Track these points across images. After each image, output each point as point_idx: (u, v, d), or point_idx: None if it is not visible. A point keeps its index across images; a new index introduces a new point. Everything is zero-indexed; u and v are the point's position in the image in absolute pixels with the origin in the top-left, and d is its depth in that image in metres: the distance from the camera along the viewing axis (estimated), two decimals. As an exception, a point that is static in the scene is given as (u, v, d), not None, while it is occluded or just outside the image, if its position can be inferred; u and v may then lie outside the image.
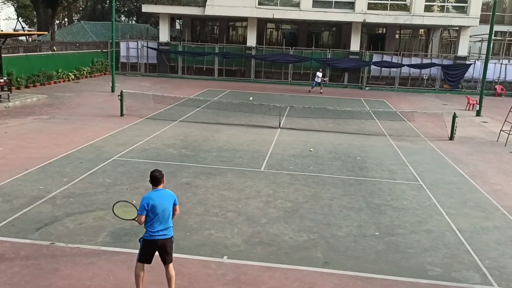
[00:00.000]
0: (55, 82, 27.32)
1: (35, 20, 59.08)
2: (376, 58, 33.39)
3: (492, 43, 25.26)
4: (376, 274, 7.00)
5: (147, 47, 35.01)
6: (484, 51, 32.70)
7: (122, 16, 66.91)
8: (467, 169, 13.14)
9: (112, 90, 24.82)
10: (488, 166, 13.66)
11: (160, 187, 5.87)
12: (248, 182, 10.98)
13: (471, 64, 32.73)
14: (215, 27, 44.27)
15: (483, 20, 33.63)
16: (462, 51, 33.43)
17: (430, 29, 39.40)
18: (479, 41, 37.48)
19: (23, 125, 16.06)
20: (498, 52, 38.40)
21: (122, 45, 35.16)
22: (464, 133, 18.22)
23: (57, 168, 11.35)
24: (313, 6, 32.47)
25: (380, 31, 41.67)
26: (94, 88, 26.54)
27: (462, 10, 32.65)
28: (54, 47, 29.33)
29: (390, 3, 32.47)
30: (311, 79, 31.78)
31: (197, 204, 9.46)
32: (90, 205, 9.11)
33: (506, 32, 37.68)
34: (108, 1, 60.25)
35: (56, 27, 47.10)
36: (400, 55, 33.43)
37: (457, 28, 34.67)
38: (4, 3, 59.68)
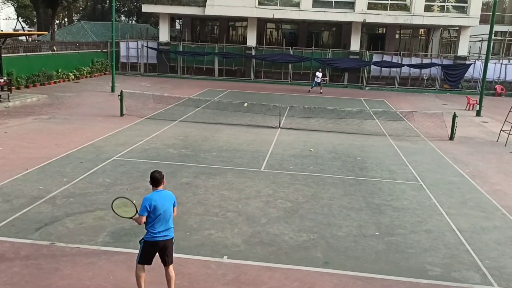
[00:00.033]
0: (55, 82, 27.33)
1: (35, 20, 59.08)
2: (376, 58, 33.40)
3: (492, 43, 25.26)
4: (376, 274, 7.00)
5: (147, 47, 35.01)
6: (484, 51, 32.71)
7: (122, 16, 66.93)
8: (467, 169, 13.14)
9: (112, 90, 24.82)
10: (488, 166, 13.66)
11: (160, 188, 5.86)
12: (248, 182, 10.98)
13: (471, 64, 32.74)
14: (215, 27, 44.28)
15: (483, 20, 33.63)
16: (462, 51, 33.44)
17: (430, 29, 39.40)
18: (479, 41, 37.49)
19: (23, 125, 16.06)
20: (498, 52, 38.40)
21: (122, 45, 35.16)
22: (464, 133, 18.22)
23: (57, 168, 11.35)
24: (313, 6, 32.48)
25: (380, 31, 41.67)
26: (94, 88, 26.54)
27: (462, 10, 32.66)
28: (54, 47, 29.33)
29: (390, 3, 32.47)
30: (311, 79, 31.77)
31: (197, 204, 9.46)
32: (90, 205, 9.11)
33: (506, 32, 37.67)
34: (108, 1, 60.26)
35: (56, 27, 47.11)
36: (400, 55, 33.43)
37: (457, 28, 34.67)
38: (4, 3, 59.71)
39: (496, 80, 33.19)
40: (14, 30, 64.07)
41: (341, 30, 39.34)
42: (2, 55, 21.70)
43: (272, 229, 8.39)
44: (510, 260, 7.68)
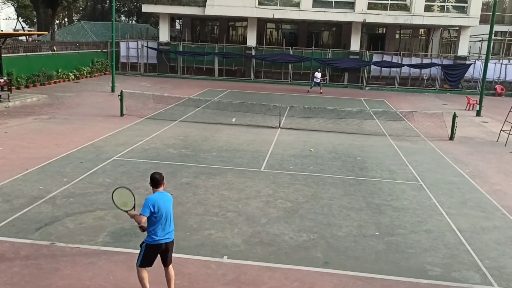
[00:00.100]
0: (55, 82, 27.33)
1: (35, 20, 59.08)
2: (376, 58, 33.39)
3: (492, 43, 25.26)
4: (376, 274, 7.00)
5: (147, 47, 35.01)
6: (484, 51, 32.71)
7: (122, 16, 66.92)
8: (467, 169, 13.14)
9: (112, 90, 24.82)
10: (488, 166, 13.66)
11: (161, 189, 5.83)
12: (248, 182, 10.98)
13: (471, 64, 32.73)
14: (215, 27, 44.27)
15: (483, 20, 33.63)
16: (462, 51, 33.44)
17: (430, 29, 39.40)
18: (479, 41, 37.48)
19: (23, 125, 16.06)
20: (498, 52, 38.39)
21: (122, 45, 35.16)
22: (464, 133, 18.22)
23: (57, 168, 11.35)
24: (313, 6, 32.47)
25: (380, 31, 41.67)
26: (94, 88, 26.54)
27: (462, 10, 32.65)
28: (54, 47, 29.33)
29: (390, 3, 32.47)
30: (311, 79, 31.76)
31: (197, 204, 9.46)
32: (90, 205, 9.11)
33: (506, 32, 37.66)
34: (108, 1, 60.26)
35: (56, 27, 47.11)
36: (400, 55, 33.42)
37: (457, 28, 34.67)
38: (4, 3, 59.70)
39: (496, 80, 33.19)
40: (14, 30, 64.07)
41: (341, 30, 39.34)
42: (2, 55, 21.70)
43: (272, 229, 8.39)
44: (510, 260, 7.68)
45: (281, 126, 17.84)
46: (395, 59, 33.23)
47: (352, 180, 11.59)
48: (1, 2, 59.37)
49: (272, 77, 34.70)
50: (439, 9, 32.96)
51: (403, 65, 32.72)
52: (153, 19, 57.60)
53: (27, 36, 39.03)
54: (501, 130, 17.54)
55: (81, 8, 65.47)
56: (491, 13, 23.66)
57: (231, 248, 7.59)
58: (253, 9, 32.56)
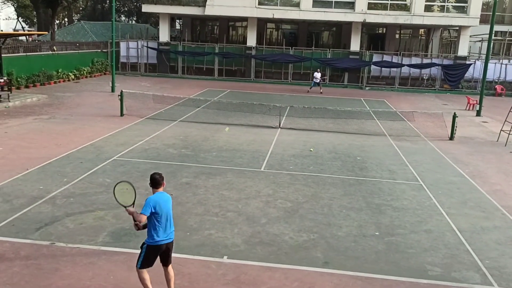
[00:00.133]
0: (55, 82, 27.33)
1: (35, 20, 59.08)
2: (376, 58, 33.39)
3: (492, 43, 25.26)
4: (376, 274, 7.00)
5: (147, 47, 35.01)
6: (484, 51, 32.71)
7: (122, 16, 66.93)
8: (467, 169, 13.14)
9: (112, 90, 24.82)
10: (488, 166, 13.66)
11: (161, 189, 5.82)
12: (248, 182, 10.98)
13: (471, 64, 32.73)
14: (215, 27, 44.27)
15: (483, 20, 33.63)
16: (462, 51, 33.43)
17: (430, 29, 39.40)
18: (479, 41, 37.48)
19: (23, 125, 16.07)
20: (498, 52, 38.39)
21: (122, 45, 35.16)
22: (464, 133, 18.22)
23: (57, 168, 11.35)
24: (313, 6, 32.47)
25: (380, 31, 41.67)
26: (94, 88, 26.54)
27: (462, 10, 32.65)
28: (54, 47, 29.33)
29: (390, 3, 32.47)
30: (311, 79, 31.75)
31: (197, 204, 9.46)
32: (90, 205, 9.11)
33: (506, 32, 37.67)
34: (108, 1, 60.26)
35: (56, 27, 47.10)
36: (400, 55, 33.42)
37: (457, 28, 34.67)
38: (4, 3, 59.70)
39: (496, 80, 33.19)
40: (14, 30, 64.07)
41: (341, 30, 39.34)
42: (2, 55, 21.70)
43: (272, 229, 8.39)
44: (510, 260, 7.68)
45: (281, 126, 17.84)
46: (395, 59, 33.23)
47: (352, 180, 11.59)
48: (1, 2, 59.40)
49: (272, 77, 34.70)
50: (439, 9, 32.96)
51: (403, 65, 32.72)
52: (153, 19, 57.60)
53: (27, 36, 39.03)
54: (501, 130, 17.54)
55: (81, 8, 65.48)
56: (491, 13, 23.66)
57: (231, 248, 7.59)
58: (253, 9, 32.56)
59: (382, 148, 15.22)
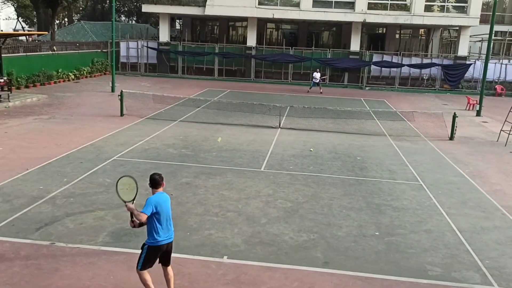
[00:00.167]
0: (55, 82, 27.33)
1: (35, 20, 59.08)
2: (376, 58, 33.39)
3: (492, 43, 25.26)
4: (376, 274, 7.00)
5: (147, 47, 35.01)
6: (484, 51, 32.71)
7: (122, 16, 66.92)
8: (467, 169, 13.14)
9: (112, 90, 24.82)
10: (488, 166, 13.66)
11: (160, 190, 5.82)
12: (248, 182, 10.98)
13: (471, 64, 32.73)
14: (215, 27, 44.27)
15: (483, 20, 33.62)
16: (462, 51, 33.43)
17: (430, 29, 39.39)
18: (479, 41, 37.48)
19: (23, 125, 16.07)
20: (498, 52, 38.39)
21: (122, 45, 35.16)
22: (464, 133, 18.21)
23: (57, 168, 11.35)
24: (313, 6, 32.47)
25: (380, 31, 41.67)
26: (94, 88, 26.54)
27: (462, 10, 32.65)
28: (54, 47, 29.33)
29: (390, 3, 32.47)
30: (311, 79, 31.76)
31: (197, 204, 9.46)
32: (90, 205, 9.11)
33: (506, 32, 37.66)
34: (108, 1, 60.26)
35: (56, 27, 47.10)
36: (400, 55, 33.42)
37: (457, 28, 34.67)
38: (4, 3, 59.69)
39: (496, 80, 33.19)
40: (14, 30, 64.07)
41: (341, 30, 39.34)
42: (2, 55, 21.70)
43: (272, 229, 8.39)
44: (510, 260, 7.68)
45: (281, 126, 17.84)
46: (395, 59, 33.23)
47: (352, 180, 11.59)
48: (1, 2, 59.40)
49: (272, 77, 34.70)
50: (439, 9, 32.96)
51: (403, 65, 32.72)
52: (153, 19, 57.60)
53: (27, 36, 39.03)
54: (501, 130, 17.54)
55: (81, 8, 65.48)
56: (491, 13, 23.66)
57: (231, 248, 7.59)
58: (253, 9, 32.56)
59: (382, 148, 15.22)
